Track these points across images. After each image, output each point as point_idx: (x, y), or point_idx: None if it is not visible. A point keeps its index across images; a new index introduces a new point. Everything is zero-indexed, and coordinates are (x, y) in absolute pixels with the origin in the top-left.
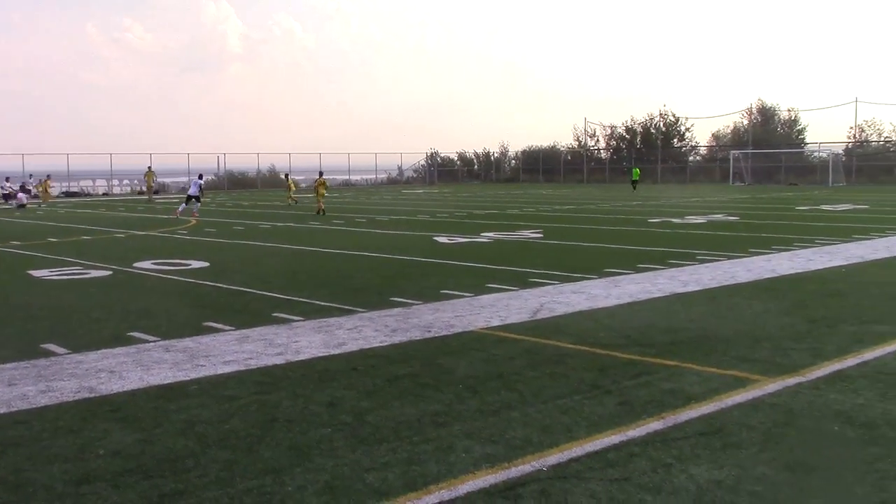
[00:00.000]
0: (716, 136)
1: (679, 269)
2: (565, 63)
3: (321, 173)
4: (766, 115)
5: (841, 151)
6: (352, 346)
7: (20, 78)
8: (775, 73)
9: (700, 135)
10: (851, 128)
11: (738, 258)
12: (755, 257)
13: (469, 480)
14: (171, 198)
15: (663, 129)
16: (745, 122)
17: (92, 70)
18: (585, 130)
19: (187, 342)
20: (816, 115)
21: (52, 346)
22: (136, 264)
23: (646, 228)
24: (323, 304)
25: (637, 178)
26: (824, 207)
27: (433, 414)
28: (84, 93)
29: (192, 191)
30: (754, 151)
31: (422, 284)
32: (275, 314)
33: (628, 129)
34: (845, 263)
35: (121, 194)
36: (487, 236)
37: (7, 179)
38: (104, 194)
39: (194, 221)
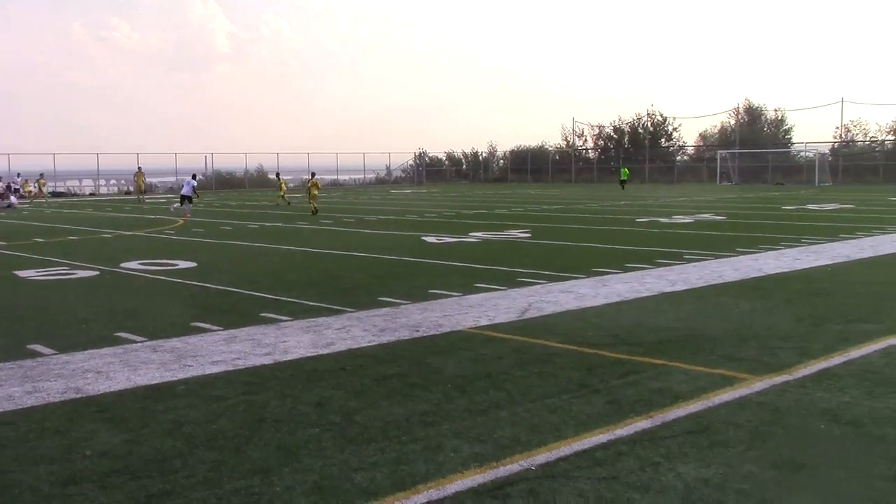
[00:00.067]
0: (703, 136)
1: (667, 268)
2: (553, 63)
3: (313, 174)
4: (752, 115)
5: (827, 151)
6: (340, 346)
7: (5, 77)
8: (762, 74)
9: (687, 134)
10: (837, 128)
11: (725, 257)
12: (742, 256)
13: (457, 480)
14: (158, 198)
15: (651, 128)
16: (733, 121)
17: (78, 69)
18: (573, 130)
19: (175, 342)
20: (803, 115)
21: (38, 347)
22: (123, 264)
23: (634, 228)
24: (311, 303)
25: (626, 178)
26: (811, 207)
27: (421, 413)
28: (70, 92)
29: (185, 191)
30: (741, 151)
31: (410, 284)
32: (263, 314)
33: (616, 129)
34: (831, 262)
35: (108, 194)
36: (476, 236)
37: None
38: (91, 194)
39: (182, 221)
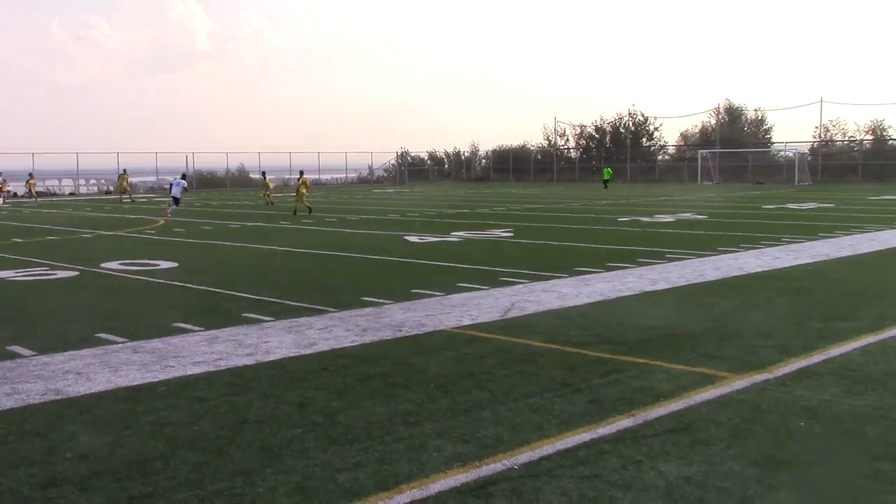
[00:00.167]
0: (684, 136)
1: (648, 267)
2: (535, 62)
3: (301, 173)
4: (733, 115)
5: (807, 151)
6: (322, 346)
7: None
8: (742, 74)
9: (669, 134)
10: (817, 127)
11: (706, 256)
12: (723, 255)
13: (440, 479)
14: (138, 197)
15: (632, 128)
16: (713, 121)
17: (57, 68)
18: (555, 130)
19: (156, 343)
20: (782, 114)
21: (17, 348)
22: (103, 265)
23: (615, 227)
24: (293, 303)
25: (609, 178)
26: (790, 206)
27: (404, 413)
28: (49, 91)
29: (175, 192)
30: (722, 151)
31: (393, 284)
32: (245, 314)
33: (598, 129)
34: (811, 261)
35: (87, 194)
36: (458, 235)
37: None
38: (71, 194)
39: (162, 221)
